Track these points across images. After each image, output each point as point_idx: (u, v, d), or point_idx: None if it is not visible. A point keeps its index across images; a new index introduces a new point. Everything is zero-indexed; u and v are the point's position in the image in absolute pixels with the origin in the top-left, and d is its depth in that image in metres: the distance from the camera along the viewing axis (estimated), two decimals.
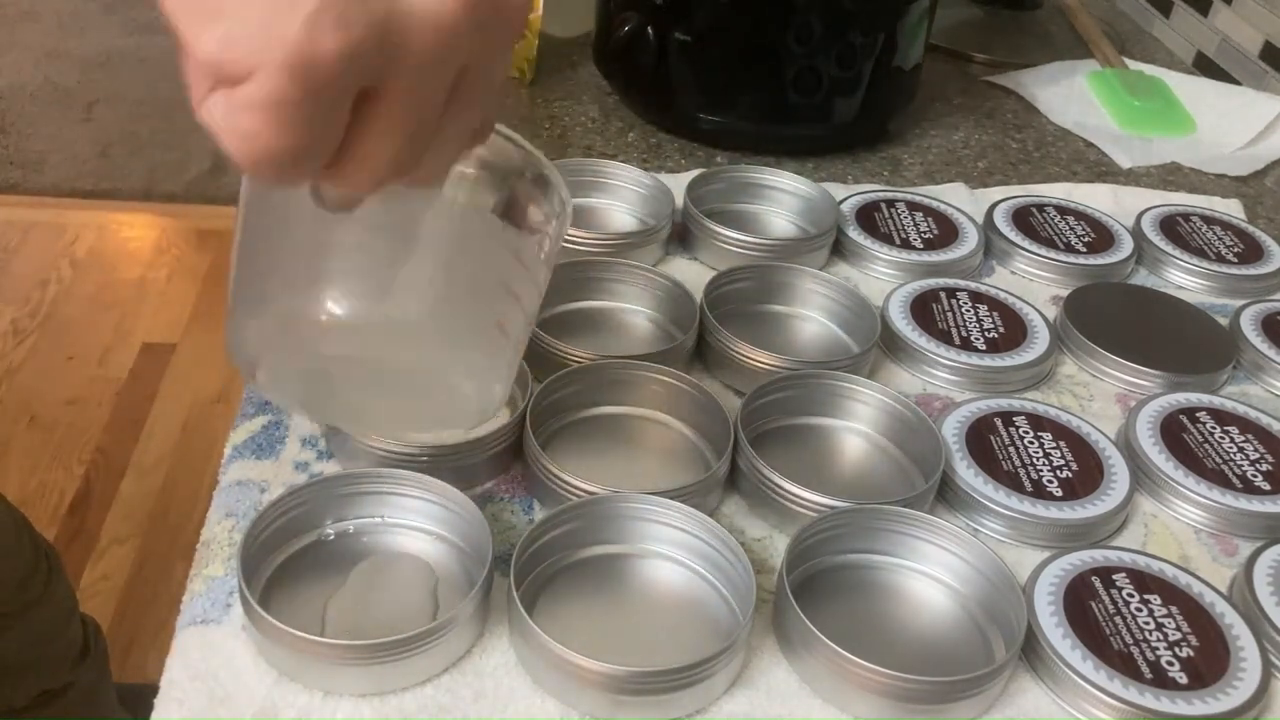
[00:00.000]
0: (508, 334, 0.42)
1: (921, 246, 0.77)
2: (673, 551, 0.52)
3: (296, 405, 0.46)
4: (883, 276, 0.76)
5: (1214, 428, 0.63)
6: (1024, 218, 0.81)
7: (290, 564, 0.51)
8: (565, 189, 0.42)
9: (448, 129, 0.33)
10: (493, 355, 0.42)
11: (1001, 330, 0.69)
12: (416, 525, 0.52)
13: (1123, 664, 0.48)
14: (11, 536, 0.93)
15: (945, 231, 0.78)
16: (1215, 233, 0.82)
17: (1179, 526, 0.58)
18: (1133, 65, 1.10)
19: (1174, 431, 0.62)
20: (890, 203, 0.81)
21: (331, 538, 0.52)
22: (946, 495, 0.58)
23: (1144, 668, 0.48)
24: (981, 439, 0.60)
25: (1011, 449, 0.60)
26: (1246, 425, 0.63)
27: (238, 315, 0.40)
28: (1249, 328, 0.72)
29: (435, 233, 0.39)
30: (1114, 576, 0.53)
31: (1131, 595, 0.52)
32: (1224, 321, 0.73)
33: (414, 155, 0.32)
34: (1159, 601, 0.52)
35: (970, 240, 0.78)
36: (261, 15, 0.27)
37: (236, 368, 0.41)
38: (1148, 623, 0.50)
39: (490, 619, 0.49)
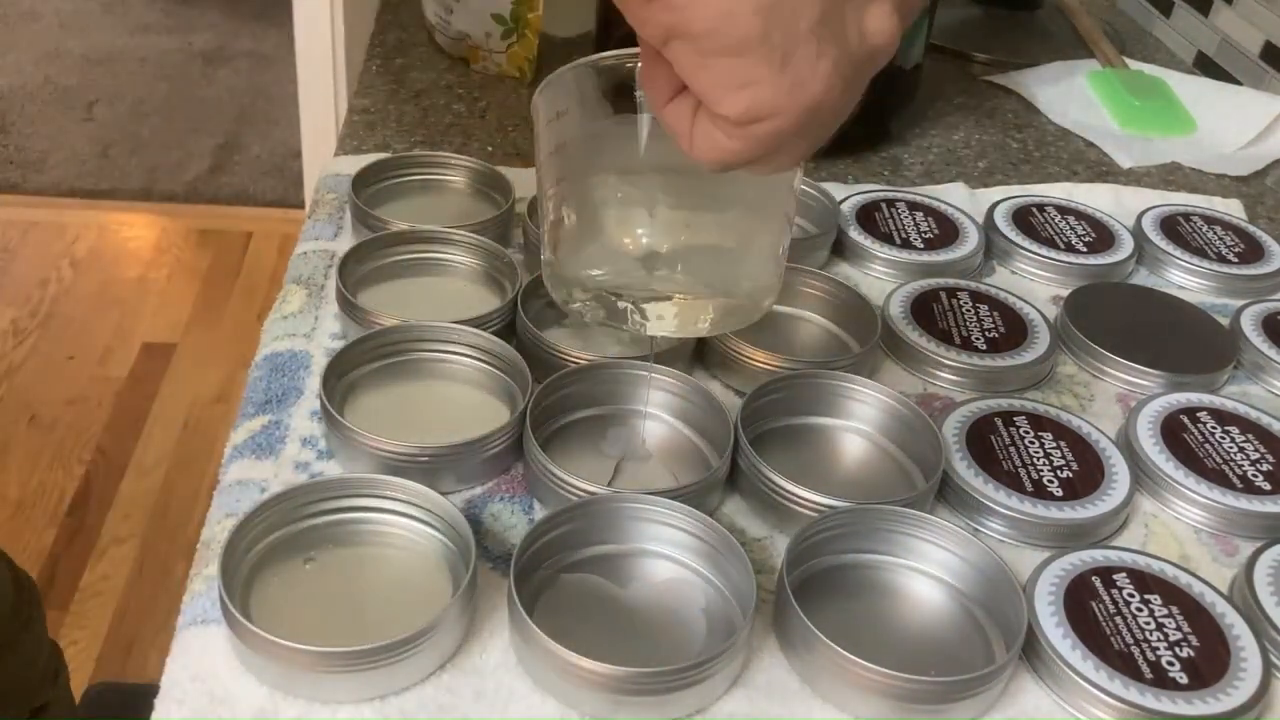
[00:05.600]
0: (784, 250, 0.55)
1: (922, 246, 0.77)
2: (673, 551, 0.52)
3: (597, 319, 0.55)
4: (883, 276, 0.76)
5: (1214, 428, 0.63)
6: (1024, 217, 0.81)
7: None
8: None
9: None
10: (775, 262, 0.54)
11: (1002, 330, 0.69)
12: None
13: (1123, 664, 0.48)
14: (3, 569, 0.96)
15: (946, 231, 0.78)
16: (1215, 233, 0.82)
17: (1179, 526, 0.58)
18: (1133, 65, 1.10)
19: (1174, 431, 0.62)
20: (891, 202, 0.81)
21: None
22: (946, 495, 0.58)
23: (1144, 668, 0.48)
24: (982, 439, 0.60)
25: (1012, 449, 0.59)
26: (1247, 425, 0.63)
27: (566, 250, 0.52)
28: (1249, 328, 0.72)
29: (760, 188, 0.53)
30: (1114, 576, 0.53)
31: (1132, 595, 0.52)
32: (1224, 321, 0.73)
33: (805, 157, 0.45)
34: (1159, 601, 0.52)
35: (971, 240, 0.78)
36: (784, 82, 0.38)
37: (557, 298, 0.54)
38: (1148, 623, 0.50)
39: (490, 619, 0.49)
